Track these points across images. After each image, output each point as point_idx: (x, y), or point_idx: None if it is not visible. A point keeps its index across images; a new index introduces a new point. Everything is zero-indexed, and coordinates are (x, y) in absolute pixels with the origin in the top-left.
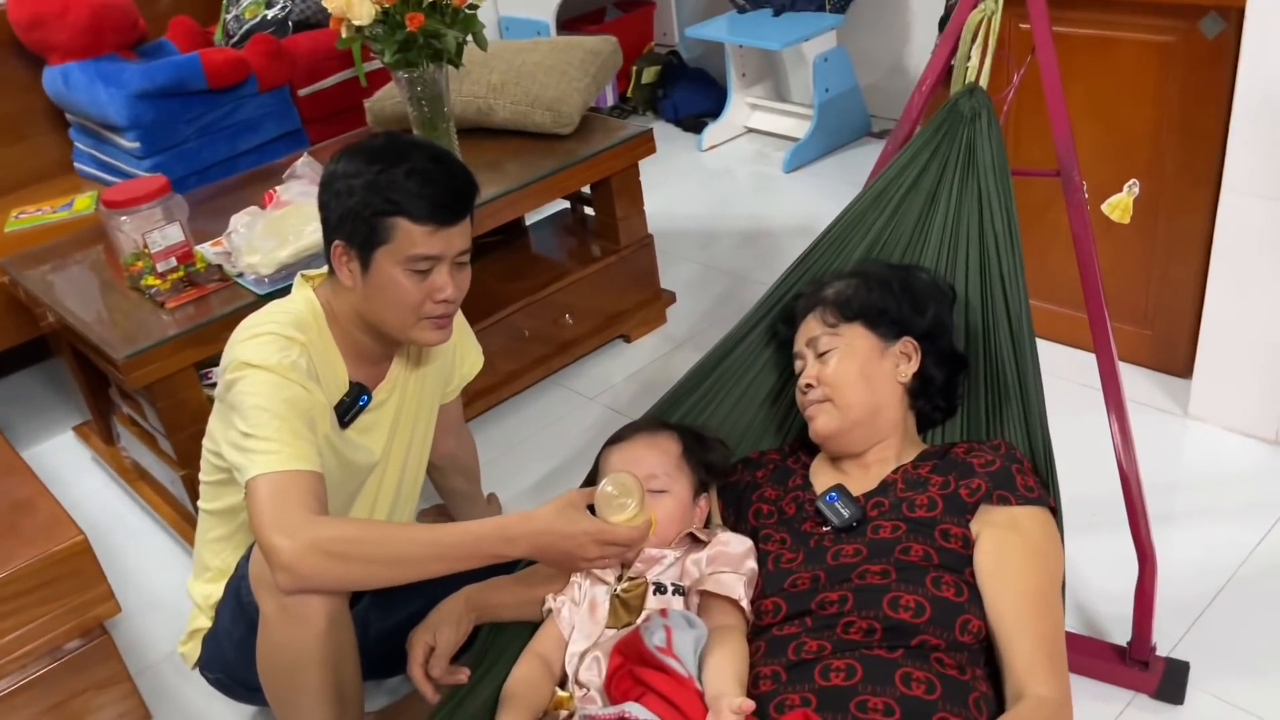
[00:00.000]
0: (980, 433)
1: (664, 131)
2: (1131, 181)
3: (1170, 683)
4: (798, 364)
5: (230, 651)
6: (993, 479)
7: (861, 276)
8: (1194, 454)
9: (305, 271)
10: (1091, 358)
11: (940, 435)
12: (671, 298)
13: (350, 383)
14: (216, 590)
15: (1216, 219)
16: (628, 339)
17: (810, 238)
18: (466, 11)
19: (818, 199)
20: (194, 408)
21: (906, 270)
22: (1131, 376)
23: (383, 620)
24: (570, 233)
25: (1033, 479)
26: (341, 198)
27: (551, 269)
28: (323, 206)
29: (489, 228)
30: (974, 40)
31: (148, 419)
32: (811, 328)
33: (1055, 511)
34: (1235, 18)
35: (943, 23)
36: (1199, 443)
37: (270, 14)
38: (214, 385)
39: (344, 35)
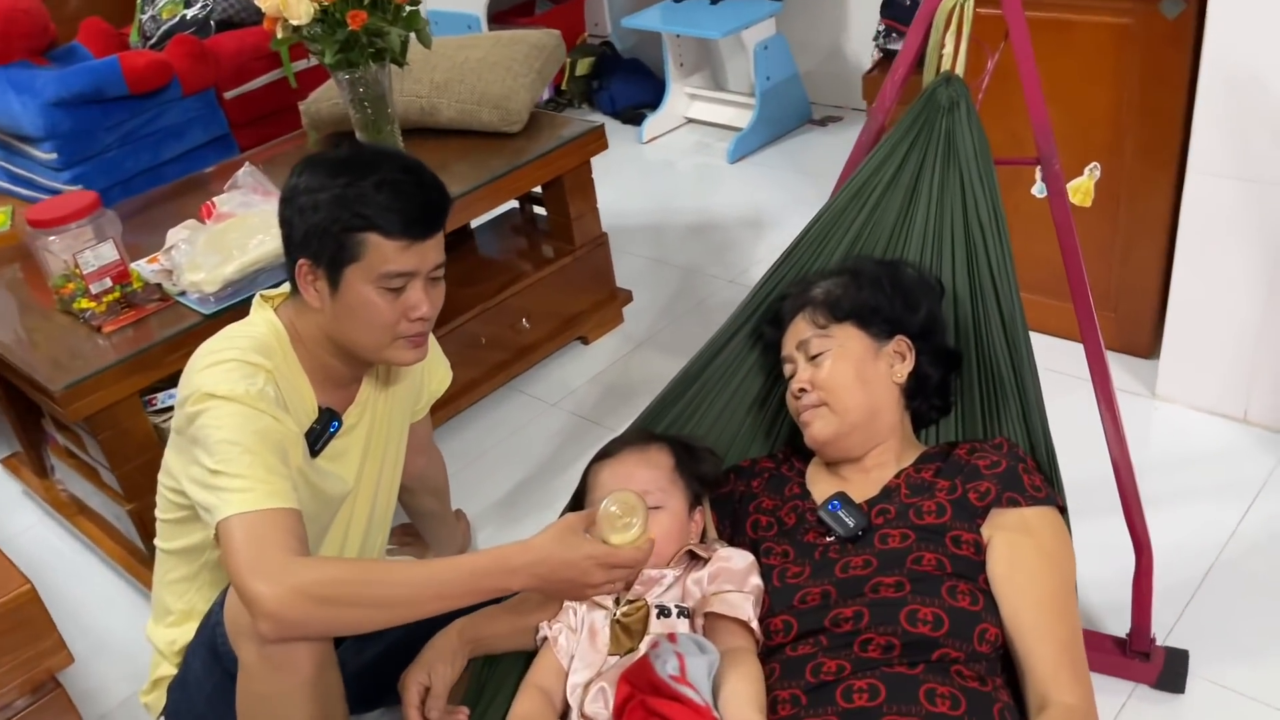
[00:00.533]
0: (976, 430)
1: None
2: (1092, 164)
3: (1171, 672)
4: (787, 368)
5: (201, 703)
6: (1001, 481)
7: (850, 274)
8: (1164, 435)
9: (265, 291)
10: (1059, 342)
11: (935, 434)
12: (628, 296)
13: (319, 409)
14: (181, 635)
15: (1181, 200)
16: (585, 341)
17: (760, 229)
18: (409, 8)
19: (765, 188)
20: (140, 438)
21: (894, 266)
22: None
23: (359, 654)
24: (520, 234)
25: (1039, 478)
26: (305, 213)
27: (505, 272)
28: (284, 223)
29: (456, 226)
30: (946, 27)
31: (88, 451)
32: (801, 330)
33: (1063, 510)
34: None
35: (885, 6)
36: (1168, 423)
37: (190, 13)
38: (161, 413)
39: (280, 36)
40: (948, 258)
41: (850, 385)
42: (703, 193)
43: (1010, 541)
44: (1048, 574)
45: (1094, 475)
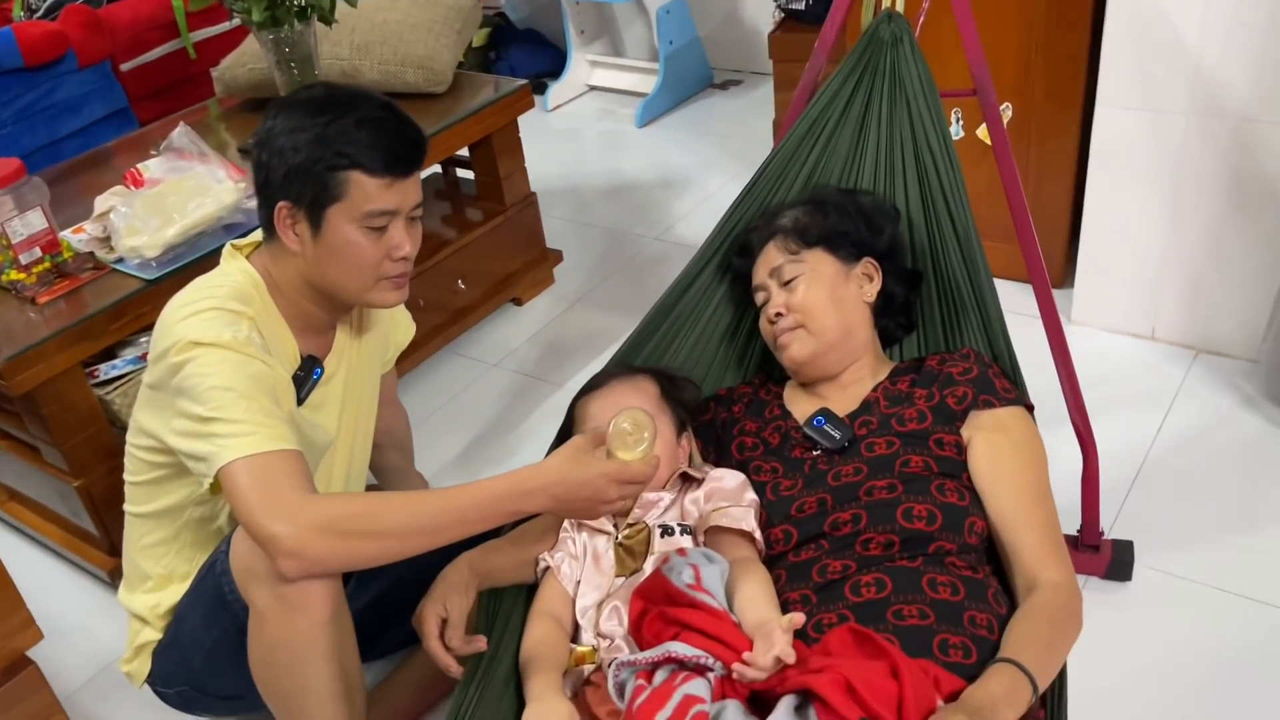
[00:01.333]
0: (939, 345)
1: None
2: (1005, 105)
3: (1119, 561)
4: (759, 295)
5: (199, 660)
6: (975, 385)
7: (815, 203)
8: (1082, 356)
9: (235, 242)
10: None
11: (900, 351)
12: (559, 256)
13: (302, 356)
14: (164, 599)
15: (1092, 133)
16: (519, 302)
17: (676, 188)
18: None
19: (674, 151)
20: (85, 411)
21: (855, 193)
22: (1011, 291)
23: (358, 598)
24: (445, 197)
25: (1007, 381)
26: (285, 154)
27: (439, 234)
28: (260, 167)
29: None
30: None
31: (28, 429)
32: (773, 257)
33: (1030, 409)
34: None
35: None
36: (1085, 345)
37: None
38: (104, 385)
39: None
40: (900, 184)
41: (825, 306)
42: (614, 157)
43: (989, 440)
44: (1025, 467)
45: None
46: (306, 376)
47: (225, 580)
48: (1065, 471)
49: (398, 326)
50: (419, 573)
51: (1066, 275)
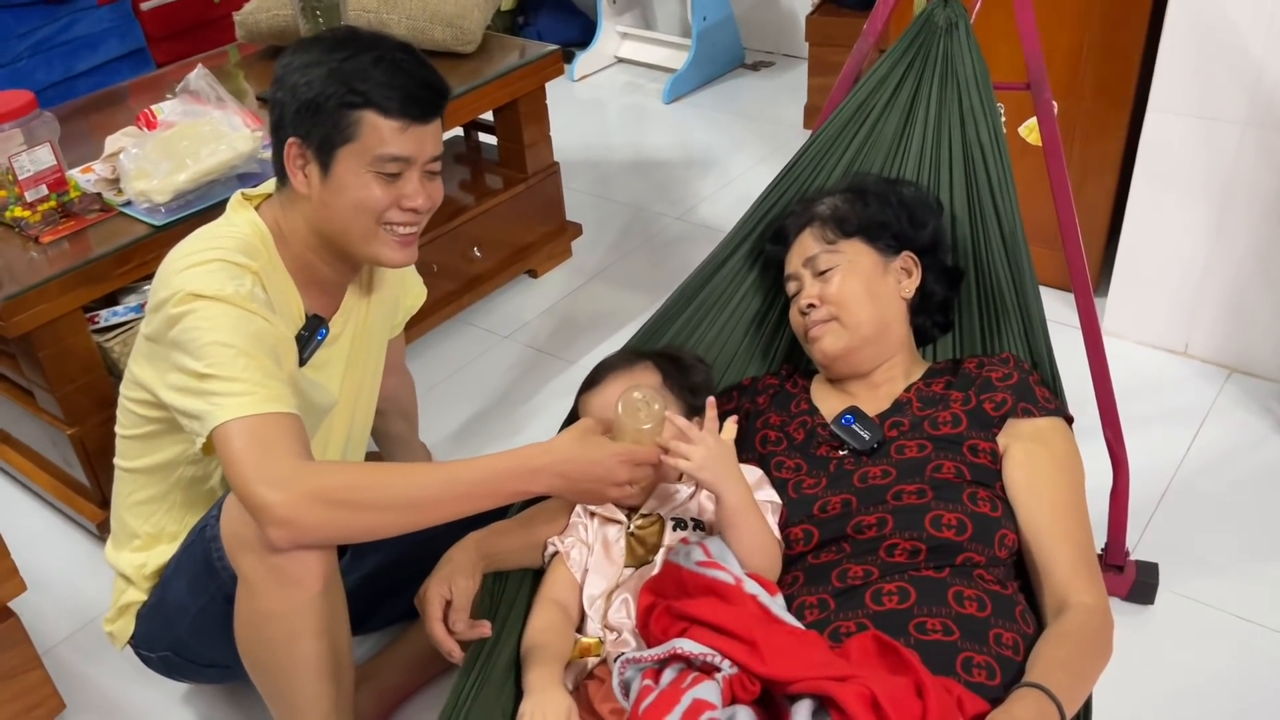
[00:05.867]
0: (975, 347)
1: None
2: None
3: (1142, 584)
4: (791, 285)
5: (183, 625)
6: (1015, 392)
7: (855, 191)
8: (1113, 368)
9: (245, 191)
10: None
11: (934, 352)
12: (578, 230)
13: (307, 314)
14: (152, 558)
15: (1140, 138)
16: (534, 274)
17: (702, 168)
18: None
19: (701, 130)
20: (83, 357)
21: (898, 184)
22: (1045, 297)
23: (352, 571)
24: (465, 162)
25: (1047, 390)
26: (298, 90)
27: (458, 200)
28: (275, 104)
29: None
30: None
31: (24, 372)
32: (808, 246)
33: (1070, 421)
34: None
35: None
36: (1116, 358)
37: None
38: (104, 332)
39: None
40: (945, 177)
41: (861, 299)
42: (638, 132)
43: (1027, 450)
44: (1063, 481)
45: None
46: (311, 336)
47: (215, 546)
48: (1091, 487)
49: (408, 291)
50: (418, 548)
51: (1101, 283)
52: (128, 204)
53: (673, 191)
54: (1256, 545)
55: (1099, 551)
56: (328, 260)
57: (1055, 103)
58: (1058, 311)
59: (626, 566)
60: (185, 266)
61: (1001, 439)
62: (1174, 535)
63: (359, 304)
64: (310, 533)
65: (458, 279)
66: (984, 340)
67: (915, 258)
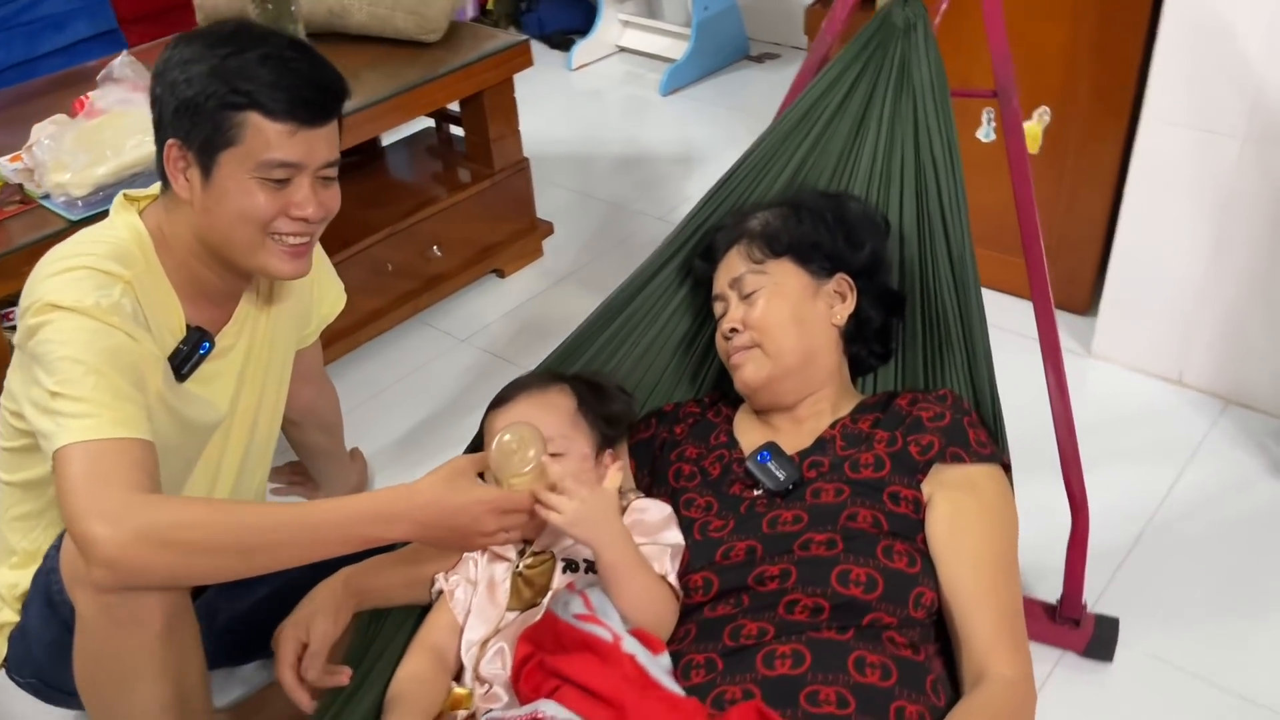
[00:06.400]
0: (918, 380)
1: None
2: (1042, 108)
3: (1100, 640)
4: (718, 306)
5: (41, 655)
6: (944, 435)
7: (790, 206)
8: (1099, 394)
9: (129, 191)
10: (1001, 297)
11: (874, 383)
12: (549, 229)
13: (188, 327)
14: (24, 578)
15: (1134, 148)
16: (501, 274)
17: (691, 165)
18: None
19: (697, 124)
20: None
21: (838, 199)
22: (1030, 313)
23: (233, 602)
24: (435, 155)
25: (984, 433)
26: (178, 88)
27: (417, 195)
28: (155, 101)
29: (352, 145)
30: None
31: None
32: (735, 265)
33: (1008, 469)
34: None
35: None
36: (1103, 382)
37: None
38: (15, 328)
39: None
40: (895, 193)
41: (785, 326)
42: (632, 125)
43: (952, 500)
44: (991, 536)
45: (1028, 433)
46: (191, 351)
47: (54, 579)
48: (1051, 527)
49: (323, 299)
50: (315, 571)
51: (1092, 302)
52: (46, 197)
53: (658, 189)
54: (1233, 601)
55: (1054, 602)
56: (215, 269)
57: (1048, 108)
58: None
59: (510, 610)
60: (51, 273)
61: (926, 486)
62: (1143, 585)
63: (257, 315)
64: (135, 575)
65: (415, 278)
66: (927, 373)
67: (850, 281)
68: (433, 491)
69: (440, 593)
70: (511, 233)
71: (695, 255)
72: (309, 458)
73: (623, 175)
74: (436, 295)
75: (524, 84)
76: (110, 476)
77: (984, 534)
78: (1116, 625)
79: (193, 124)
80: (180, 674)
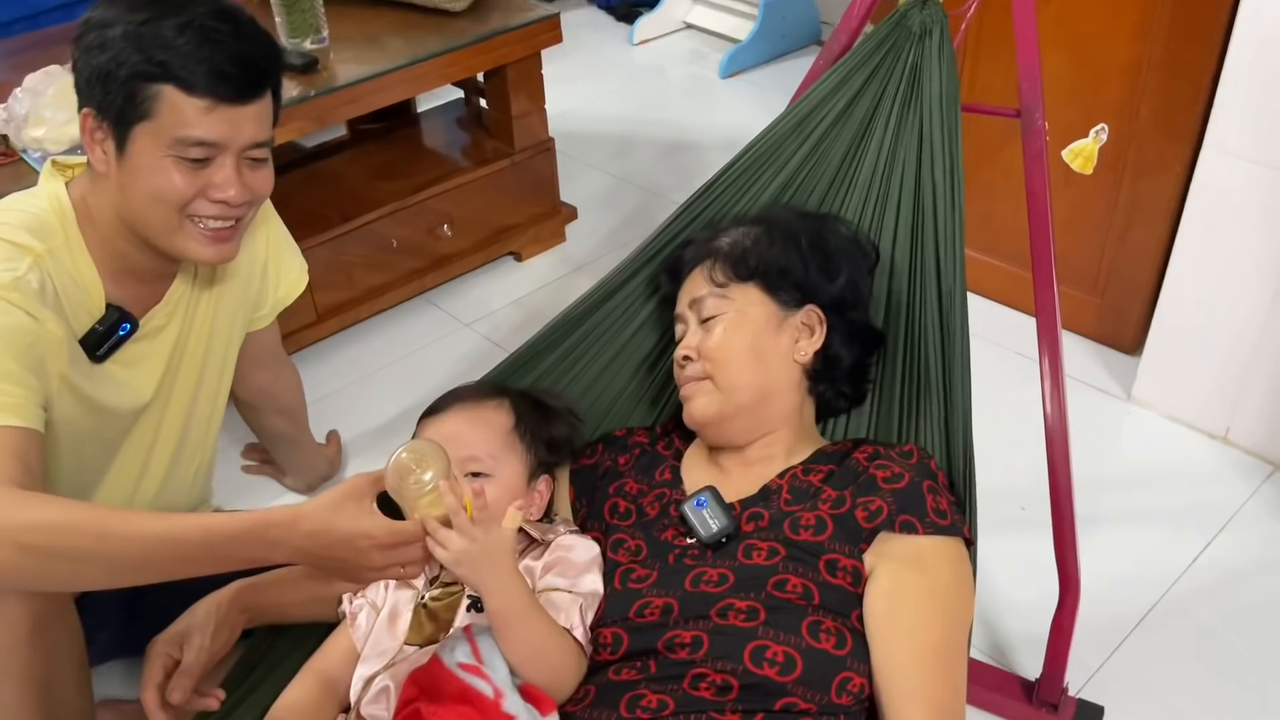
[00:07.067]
0: (891, 427)
1: (593, 19)
2: (1099, 126)
3: None
4: (678, 328)
5: None
6: (898, 499)
7: (765, 225)
8: (1132, 445)
9: (58, 158)
10: (1032, 322)
11: (844, 427)
12: (572, 213)
13: (107, 305)
14: None
15: (1192, 180)
16: (518, 257)
17: None
18: None
19: (754, 111)
20: None
21: (821, 221)
22: (1072, 347)
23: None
24: (461, 128)
25: (945, 500)
26: (92, 53)
27: (430, 169)
28: (74, 66)
29: (359, 113)
30: None
31: None
32: (697, 285)
33: (970, 543)
34: None
35: None
36: (1138, 432)
37: None
38: None
39: None
40: (891, 218)
41: (741, 359)
42: (688, 107)
43: (895, 575)
44: (936, 620)
45: (1042, 480)
46: (109, 331)
47: None
48: (1047, 591)
49: (281, 278)
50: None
51: (1140, 341)
52: (25, 151)
53: (697, 177)
54: (1240, 699)
55: (1033, 680)
56: (138, 248)
57: (1106, 125)
58: (1094, 372)
59: (408, 644)
60: None
61: (869, 557)
62: (1141, 672)
63: (194, 297)
64: None
65: (422, 256)
66: (902, 422)
67: (820, 313)
68: (317, 519)
69: (344, 615)
70: (531, 216)
71: (663, 269)
72: (270, 443)
73: (665, 161)
74: (445, 275)
75: (582, 55)
76: None
77: (927, 616)
78: (1101, 713)
79: (105, 93)
80: (46, 678)
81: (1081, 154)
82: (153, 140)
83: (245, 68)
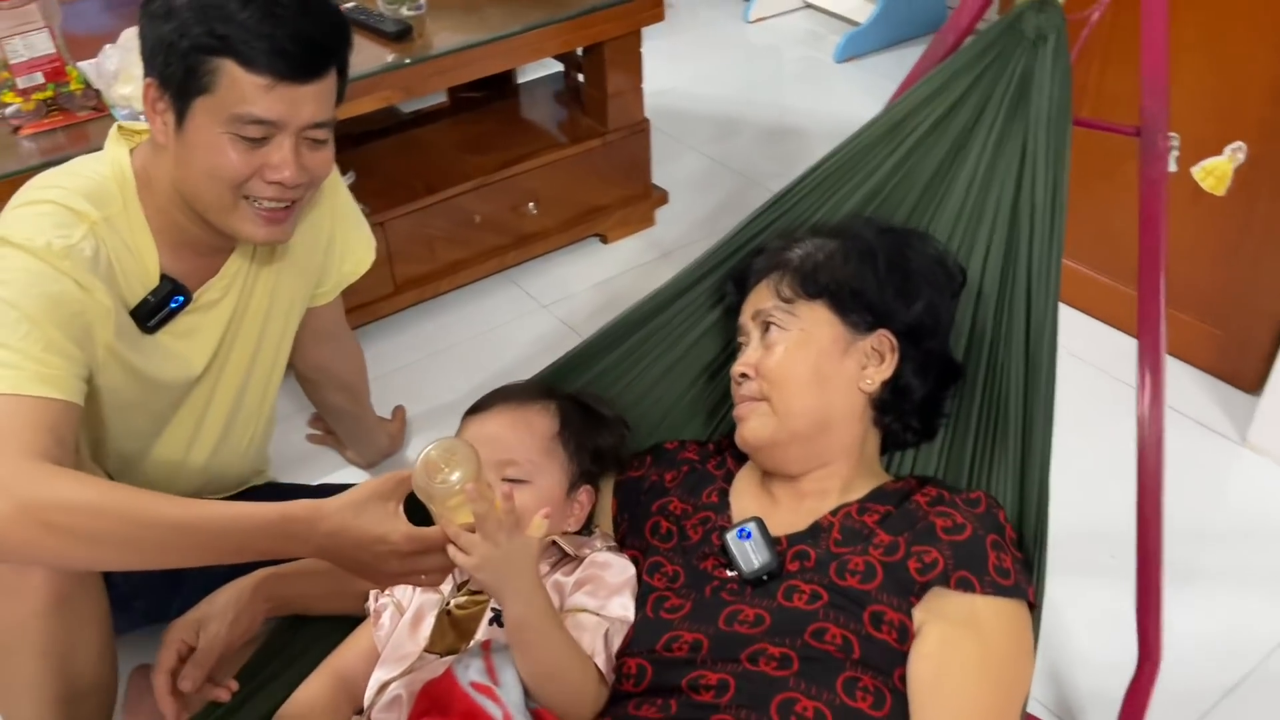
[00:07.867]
0: (962, 469)
1: None
2: (1236, 144)
3: None
4: (740, 340)
5: None
6: (956, 553)
7: (841, 239)
8: (1242, 494)
9: (125, 123)
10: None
11: (911, 462)
12: (663, 197)
13: (161, 276)
14: None
15: None
16: (604, 239)
17: None
18: None
19: (866, 100)
20: None
21: (904, 238)
22: (1185, 381)
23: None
24: (557, 103)
25: (1010, 558)
26: (156, 21)
27: (520, 145)
28: (140, 34)
29: (448, 85)
30: None
31: None
32: (763, 298)
33: (1034, 607)
34: None
35: None
36: (1251, 480)
37: None
38: None
39: None
40: (984, 239)
41: (802, 383)
42: (797, 91)
43: (945, 636)
44: (985, 692)
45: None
46: (161, 303)
47: None
48: (1129, 647)
49: (348, 254)
50: None
51: (1260, 379)
52: (114, 107)
53: (797, 167)
54: None
55: None
56: (194, 221)
57: (1243, 144)
58: (1203, 409)
59: (428, 651)
60: (18, 203)
61: (919, 612)
62: None
63: (253, 271)
64: (11, 552)
65: (506, 234)
66: (974, 464)
67: (892, 339)
68: (339, 517)
69: (369, 612)
70: (620, 198)
71: (731, 276)
72: (330, 417)
73: (766, 146)
74: (527, 254)
75: (694, 30)
76: (11, 438)
77: (975, 689)
78: None
79: (166, 64)
80: (66, 651)
81: (1214, 173)
82: (211, 116)
83: (307, 46)
